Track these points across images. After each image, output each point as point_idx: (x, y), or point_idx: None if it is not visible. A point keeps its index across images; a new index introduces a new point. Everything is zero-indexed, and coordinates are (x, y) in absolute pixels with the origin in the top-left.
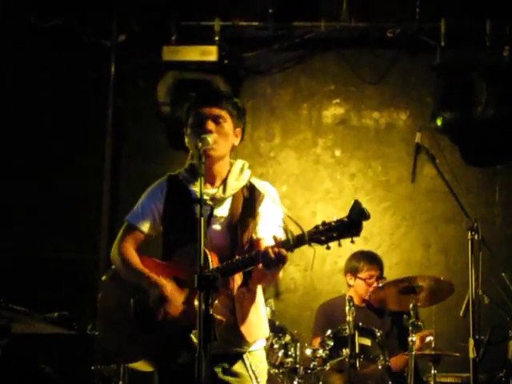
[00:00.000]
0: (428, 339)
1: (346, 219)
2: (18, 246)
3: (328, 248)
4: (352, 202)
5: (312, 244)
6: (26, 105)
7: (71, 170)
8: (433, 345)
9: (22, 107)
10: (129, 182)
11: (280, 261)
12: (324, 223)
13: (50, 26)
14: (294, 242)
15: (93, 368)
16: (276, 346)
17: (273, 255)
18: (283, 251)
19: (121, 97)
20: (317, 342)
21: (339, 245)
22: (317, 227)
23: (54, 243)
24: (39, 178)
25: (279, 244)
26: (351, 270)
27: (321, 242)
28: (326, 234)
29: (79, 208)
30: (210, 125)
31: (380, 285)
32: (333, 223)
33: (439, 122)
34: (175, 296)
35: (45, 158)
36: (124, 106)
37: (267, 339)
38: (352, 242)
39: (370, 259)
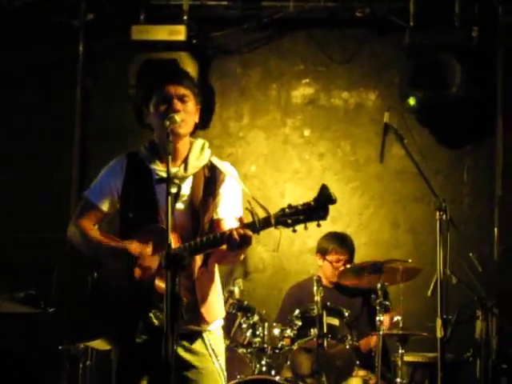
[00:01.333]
0: (396, 319)
1: (312, 203)
2: None
3: (294, 231)
4: (320, 184)
5: (278, 227)
6: None
7: (40, 150)
8: (400, 324)
9: None
10: (97, 161)
11: (245, 243)
12: (290, 206)
13: (18, 5)
14: (260, 225)
15: (60, 348)
16: (244, 325)
17: (238, 237)
18: (248, 233)
19: (89, 77)
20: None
21: (305, 228)
22: (283, 210)
23: (21, 222)
24: (6, 156)
25: (245, 226)
26: (320, 251)
27: (287, 225)
28: (293, 216)
29: (48, 187)
30: (178, 104)
31: (348, 266)
32: (299, 206)
33: (412, 102)
34: (143, 250)
35: (13, 136)
36: (92, 85)
37: (235, 320)
38: (318, 225)
39: (341, 243)
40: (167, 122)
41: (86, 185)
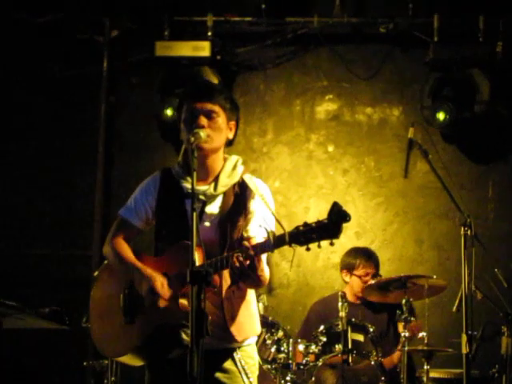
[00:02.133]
0: (421, 335)
1: (326, 221)
2: (11, 243)
3: (308, 249)
4: (344, 201)
5: (292, 245)
6: (19, 101)
7: (64, 167)
8: (425, 340)
9: (14, 103)
10: (121, 178)
11: (244, 269)
12: (305, 224)
13: (42, 21)
14: (275, 243)
15: (85, 363)
16: (269, 341)
17: (237, 263)
18: (244, 261)
19: (113, 93)
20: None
21: (319, 246)
22: (297, 228)
23: (46, 240)
24: (32, 174)
25: (259, 244)
26: (347, 267)
27: (300, 243)
28: (306, 235)
29: (72, 204)
30: (203, 120)
31: (372, 282)
32: (313, 224)
33: (441, 117)
34: (164, 291)
35: (37, 155)
36: (117, 101)
37: (259, 335)
38: (331, 244)
39: (367, 257)
40: (192, 138)
41: (111, 199)
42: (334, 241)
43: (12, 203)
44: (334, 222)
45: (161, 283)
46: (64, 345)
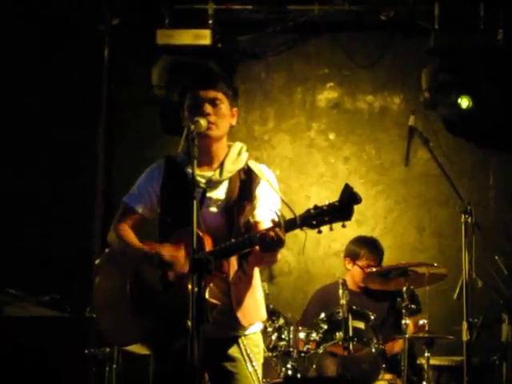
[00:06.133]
0: (421, 322)
1: (337, 203)
2: (11, 233)
3: (319, 232)
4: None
5: (303, 228)
6: (19, 91)
7: (65, 157)
8: (426, 328)
9: (15, 93)
10: (123, 167)
11: (277, 243)
12: (316, 207)
13: (42, 11)
14: (286, 226)
15: (86, 351)
16: (269, 329)
17: (270, 238)
18: (281, 234)
19: (114, 81)
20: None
21: (331, 229)
22: (308, 211)
23: (48, 229)
24: (32, 164)
25: (269, 228)
26: (351, 255)
27: (312, 226)
28: (318, 218)
29: (73, 194)
30: (208, 108)
31: (373, 269)
32: (324, 207)
33: (465, 103)
34: (175, 256)
35: (38, 144)
36: (118, 90)
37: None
38: (343, 226)
39: (373, 249)
40: (192, 126)
41: (112, 189)
42: (335, 230)
43: (12, 193)
44: (345, 204)
45: (167, 251)
46: (65, 333)
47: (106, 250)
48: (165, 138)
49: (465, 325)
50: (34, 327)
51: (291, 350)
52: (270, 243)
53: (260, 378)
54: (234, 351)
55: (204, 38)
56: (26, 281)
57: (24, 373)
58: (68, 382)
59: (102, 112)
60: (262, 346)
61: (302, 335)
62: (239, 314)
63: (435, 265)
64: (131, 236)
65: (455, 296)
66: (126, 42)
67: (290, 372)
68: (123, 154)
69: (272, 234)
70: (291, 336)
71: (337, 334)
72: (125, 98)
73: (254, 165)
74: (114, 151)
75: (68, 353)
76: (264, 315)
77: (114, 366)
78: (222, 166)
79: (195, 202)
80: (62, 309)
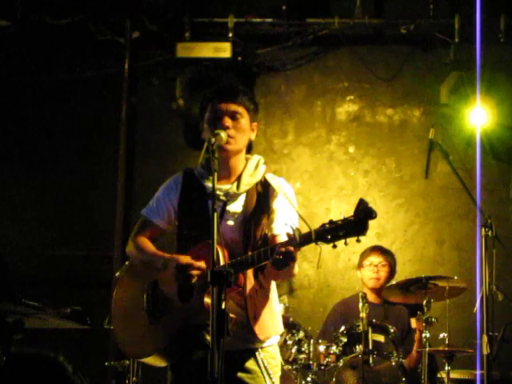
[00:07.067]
0: (442, 336)
1: (352, 218)
2: (33, 244)
3: (334, 247)
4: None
5: (318, 243)
6: (40, 102)
7: (85, 168)
8: (446, 341)
9: (34, 105)
10: (143, 179)
11: (287, 259)
12: (331, 222)
13: (65, 23)
14: (301, 240)
15: (106, 364)
16: (289, 342)
17: (280, 254)
18: (291, 249)
19: (135, 94)
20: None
21: (345, 243)
22: (323, 226)
23: (68, 241)
24: (53, 175)
25: (286, 242)
26: (358, 263)
27: (327, 241)
28: (332, 232)
29: (94, 206)
30: (227, 121)
31: (393, 282)
32: (339, 222)
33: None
34: (193, 261)
35: (58, 156)
36: (138, 103)
37: (281, 335)
38: (358, 241)
39: (372, 247)
40: (213, 139)
41: (132, 201)
42: (355, 242)
43: (35, 205)
44: (360, 219)
45: (185, 258)
46: (86, 345)
47: (126, 263)
48: (184, 151)
49: (485, 338)
50: (55, 340)
51: (311, 363)
52: (281, 259)
53: None
54: (250, 364)
55: (224, 51)
56: (46, 292)
57: None
58: None
59: (121, 124)
60: (279, 358)
61: (321, 348)
62: (255, 328)
63: (455, 278)
64: (149, 245)
65: (475, 309)
66: (146, 55)
67: None
68: (143, 166)
69: (282, 249)
70: (311, 349)
71: (357, 347)
72: (144, 110)
73: (271, 178)
74: (134, 164)
75: (88, 365)
76: (281, 328)
77: (134, 378)
78: (239, 179)
79: (215, 215)
80: (83, 321)
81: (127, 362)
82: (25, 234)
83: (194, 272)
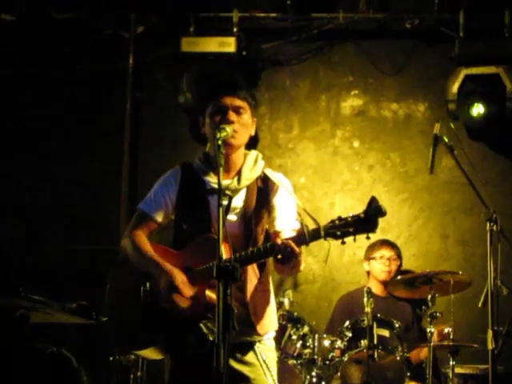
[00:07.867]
0: (446, 330)
1: (362, 215)
2: (37, 238)
3: (343, 243)
4: (370, 195)
5: (327, 239)
6: (45, 96)
7: (90, 162)
8: (451, 336)
9: (39, 99)
10: (147, 173)
11: (291, 256)
12: (340, 218)
13: (69, 17)
14: (310, 236)
15: (111, 358)
16: (294, 337)
17: (283, 250)
18: (293, 246)
19: (139, 89)
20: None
21: (354, 240)
22: (333, 222)
23: (72, 234)
24: (58, 168)
25: (294, 238)
26: (365, 256)
27: (336, 237)
28: (342, 229)
29: (99, 200)
30: (232, 115)
31: (399, 277)
32: (349, 219)
33: (476, 113)
34: (184, 288)
35: (63, 149)
36: (142, 98)
37: (285, 331)
38: (367, 237)
39: (382, 241)
40: (218, 134)
41: (136, 195)
42: (363, 238)
43: (39, 200)
44: (371, 216)
45: (181, 280)
46: (91, 340)
47: (120, 256)
48: (189, 146)
49: (490, 333)
50: (60, 334)
51: (316, 357)
52: (283, 255)
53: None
54: (250, 357)
55: (229, 45)
56: (51, 287)
57: (48, 379)
58: None
59: (126, 119)
60: (275, 351)
61: (326, 343)
62: (255, 322)
63: (460, 273)
64: (146, 245)
65: (480, 304)
66: (151, 50)
67: (314, 380)
68: (147, 160)
69: (285, 245)
70: (316, 344)
71: (361, 341)
72: (149, 105)
73: (271, 173)
74: (138, 158)
75: (93, 360)
76: (276, 324)
77: (139, 373)
78: (239, 174)
79: (221, 210)
80: (89, 316)
81: (132, 357)
82: (28, 229)
83: (180, 299)
